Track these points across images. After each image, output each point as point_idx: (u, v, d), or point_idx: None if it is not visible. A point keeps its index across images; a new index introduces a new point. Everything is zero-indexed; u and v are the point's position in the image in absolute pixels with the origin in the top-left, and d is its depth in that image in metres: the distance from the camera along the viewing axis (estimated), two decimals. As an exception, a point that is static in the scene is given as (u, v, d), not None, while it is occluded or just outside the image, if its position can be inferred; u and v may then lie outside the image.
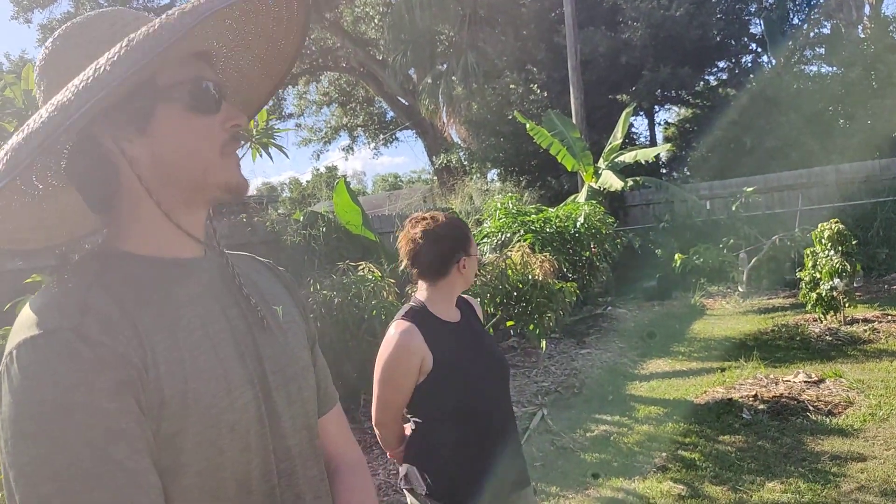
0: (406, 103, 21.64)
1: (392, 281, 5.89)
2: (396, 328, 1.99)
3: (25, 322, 0.84)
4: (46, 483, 0.77)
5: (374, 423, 2.10)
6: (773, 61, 18.77)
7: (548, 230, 7.88)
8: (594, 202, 9.42)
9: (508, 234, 7.98)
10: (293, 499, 1.02)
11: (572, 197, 11.75)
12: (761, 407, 5.20)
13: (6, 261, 4.04)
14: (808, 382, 5.62)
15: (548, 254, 6.96)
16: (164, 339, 0.89)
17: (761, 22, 18.72)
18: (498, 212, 8.41)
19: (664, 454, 4.56)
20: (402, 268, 2.14)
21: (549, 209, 8.64)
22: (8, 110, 2.27)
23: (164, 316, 0.92)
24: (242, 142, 1.05)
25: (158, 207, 0.97)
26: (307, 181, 41.67)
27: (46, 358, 0.80)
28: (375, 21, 21.34)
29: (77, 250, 1.08)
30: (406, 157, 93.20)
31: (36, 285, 2.30)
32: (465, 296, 2.22)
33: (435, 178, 21.18)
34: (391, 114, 25.84)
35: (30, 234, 1.07)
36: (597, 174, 11.65)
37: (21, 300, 2.29)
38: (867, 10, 19.23)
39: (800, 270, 8.09)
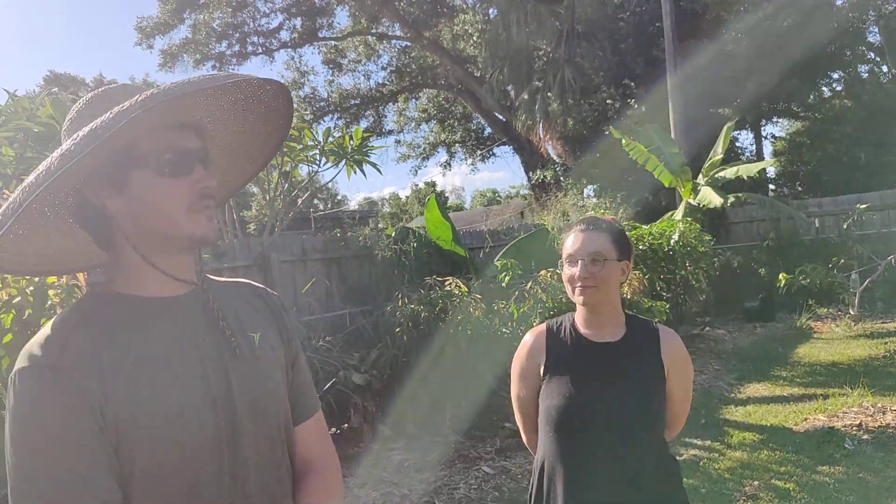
0: (503, 119, 21.71)
1: (479, 297, 5.93)
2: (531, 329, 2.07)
3: (25, 351, 1.08)
4: (25, 483, 1.02)
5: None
6: (893, 71, 17.70)
7: (640, 247, 7.72)
8: (690, 219, 9.15)
9: (600, 251, 7.86)
10: (243, 501, 1.19)
11: (669, 213, 11.44)
12: (865, 437, 4.90)
13: None
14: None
15: (639, 272, 6.82)
16: (126, 373, 1.09)
17: (879, 30, 17.72)
18: (589, 228, 8.30)
19: (756, 482, 4.37)
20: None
21: (643, 226, 8.45)
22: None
23: (130, 351, 1.11)
24: (212, 199, 1.21)
25: (136, 252, 1.16)
26: (406, 196, 42.59)
27: (29, 386, 1.04)
28: (473, 38, 21.57)
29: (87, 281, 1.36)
30: (505, 172, 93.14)
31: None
32: (663, 326, 2.00)
33: (532, 193, 21.12)
34: (489, 130, 25.99)
35: (52, 262, 1.29)
36: (695, 190, 11.30)
37: None
38: None
39: (916, 293, 7.57)
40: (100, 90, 1.20)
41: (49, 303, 2.63)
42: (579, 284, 1.88)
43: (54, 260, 1.28)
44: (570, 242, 1.94)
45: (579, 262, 1.89)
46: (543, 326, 2.03)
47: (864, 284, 10.33)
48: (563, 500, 1.86)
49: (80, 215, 1.18)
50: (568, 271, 1.92)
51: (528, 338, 2.03)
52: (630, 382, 1.89)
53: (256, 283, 1.42)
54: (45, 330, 1.11)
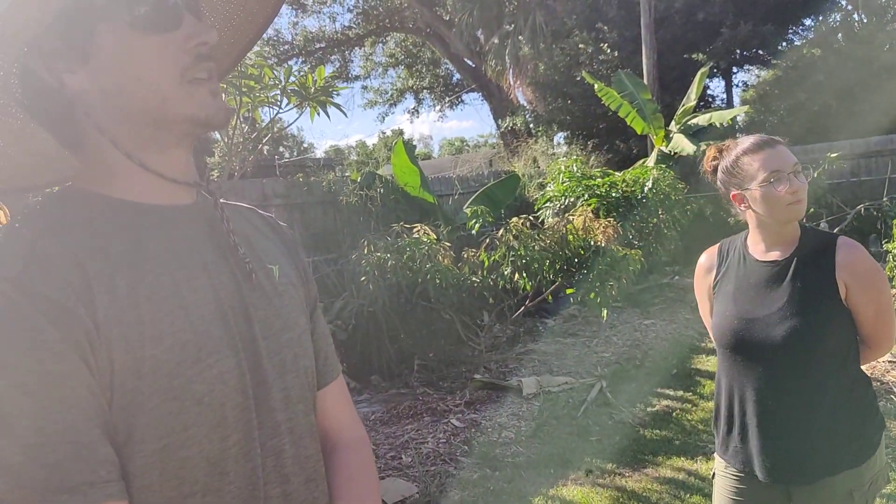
0: (472, 65, 21.26)
1: (448, 244, 5.73)
2: None
3: None
4: None
5: None
6: (865, 19, 17.56)
7: (613, 195, 7.55)
8: (664, 166, 9.00)
9: (572, 199, 7.69)
10: (280, 481, 0.90)
11: (641, 161, 11.29)
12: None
13: None
14: (895, 363, 5.21)
15: (612, 219, 6.66)
16: (122, 297, 0.77)
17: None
18: (562, 175, 8.10)
19: (730, 434, 4.28)
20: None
21: (616, 173, 8.28)
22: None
23: (125, 269, 0.79)
24: (212, 64, 0.86)
25: (116, 149, 0.83)
26: (373, 144, 41.92)
27: None
28: (442, -21, 20.94)
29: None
30: (473, 121, 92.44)
31: None
32: (844, 238, 1.80)
33: (500, 141, 20.83)
34: (457, 76, 25.50)
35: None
36: (668, 138, 11.14)
37: None
38: (973, -38, 17.74)
39: (887, 242, 7.54)
40: None
41: None
42: (796, 200, 1.74)
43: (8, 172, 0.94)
44: (770, 158, 1.78)
45: (791, 175, 1.74)
46: (717, 246, 2.03)
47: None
48: (734, 422, 1.89)
49: (30, 102, 0.84)
50: (778, 188, 1.74)
51: (703, 258, 2.04)
52: (792, 302, 1.76)
53: (261, 211, 1.09)
54: None
